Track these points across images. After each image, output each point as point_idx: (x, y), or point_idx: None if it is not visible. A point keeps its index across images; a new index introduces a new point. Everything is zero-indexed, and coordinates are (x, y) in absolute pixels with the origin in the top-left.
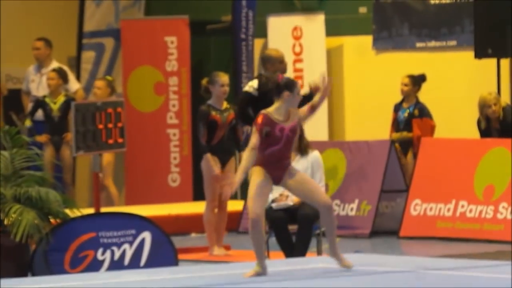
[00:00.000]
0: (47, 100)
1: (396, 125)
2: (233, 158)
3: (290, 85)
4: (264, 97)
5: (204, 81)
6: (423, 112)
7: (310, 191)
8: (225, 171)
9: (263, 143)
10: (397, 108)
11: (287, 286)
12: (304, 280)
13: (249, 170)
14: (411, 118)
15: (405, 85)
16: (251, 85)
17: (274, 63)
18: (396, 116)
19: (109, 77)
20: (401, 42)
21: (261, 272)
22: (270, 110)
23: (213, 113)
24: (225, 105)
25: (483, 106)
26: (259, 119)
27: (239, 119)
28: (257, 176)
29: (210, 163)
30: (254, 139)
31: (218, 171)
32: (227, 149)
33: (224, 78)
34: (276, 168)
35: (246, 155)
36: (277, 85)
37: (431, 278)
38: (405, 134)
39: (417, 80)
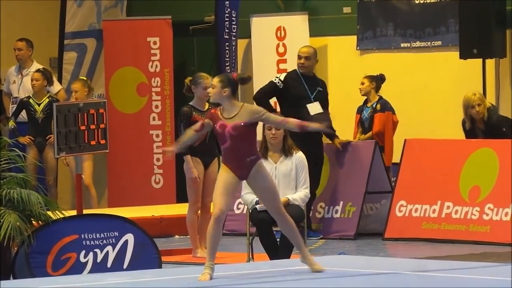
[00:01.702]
0: (31, 101)
1: (362, 125)
2: (216, 160)
3: (228, 81)
4: (287, 92)
5: (187, 80)
6: (386, 107)
7: (264, 201)
8: (207, 173)
9: (218, 140)
10: (361, 109)
11: (271, 287)
12: (289, 282)
13: (182, 145)
14: (374, 113)
15: (362, 83)
16: (279, 77)
17: (313, 56)
18: (361, 116)
19: (83, 77)
20: (386, 42)
21: (212, 274)
22: (221, 107)
23: (195, 114)
24: (207, 106)
25: (467, 106)
26: (207, 113)
27: (257, 103)
28: (222, 173)
29: (190, 164)
30: (199, 124)
31: (197, 174)
32: (209, 151)
33: (207, 80)
34: (237, 166)
35: (186, 133)
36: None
37: (416, 280)
38: (369, 134)
39: (374, 78)
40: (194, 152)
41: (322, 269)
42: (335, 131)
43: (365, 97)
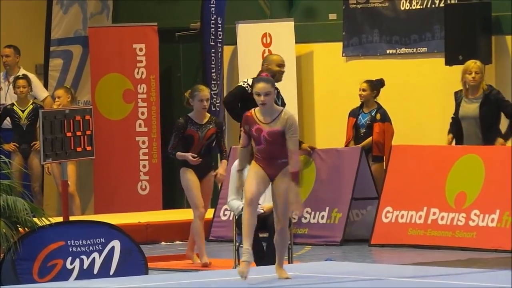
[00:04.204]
0: (15, 108)
1: (356, 131)
2: (212, 173)
3: (274, 84)
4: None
5: (187, 93)
6: (385, 117)
7: (278, 204)
8: (202, 184)
9: (250, 140)
10: (355, 113)
11: None
12: None
13: (239, 167)
14: (373, 122)
15: (363, 90)
16: (247, 81)
17: (270, 63)
18: (356, 121)
19: (67, 86)
20: (371, 48)
21: (251, 259)
22: (257, 109)
23: (191, 127)
24: (207, 117)
25: (465, 72)
26: (243, 117)
27: (228, 112)
28: (253, 167)
29: (181, 155)
30: (242, 139)
31: (190, 156)
32: (204, 165)
33: (203, 92)
34: (268, 165)
35: (238, 152)
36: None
37: (403, 286)
38: (368, 140)
39: (375, 85)
40: (188, 165)
41: (289, 277)
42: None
43: (362, 102)
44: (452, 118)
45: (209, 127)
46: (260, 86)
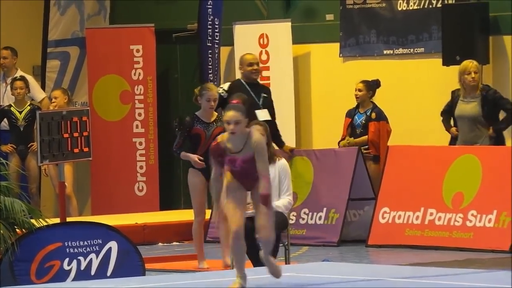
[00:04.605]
0: (13, 109)
1: (352, 130)
2: None
3: (245, 111)
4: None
5: (196, 90)
6: (381, 116)
7: (259, 220)
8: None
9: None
10: (352, 113)
11: None
12: None
13: (214, 195)
14: (369, 121)
15: (359, 90)
16: (222, 87)
17: (242, 64)
18: (351, 121)
19: (63, 87)
20: (369, 49)
21: (243, 284)
22: (225, 136)
23: (197, 126)
24: (214, 116)
25: (463, 72)
26: (211, 148)
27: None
28: (228, 183)
29: (186, 155)
30: (214, 168)
31: (196, 157)
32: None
33: (211, 92)
34: (244, 180)
35: (213, 187)
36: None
37: (399, 286)
38: (363, 138)
39: (371, 85)
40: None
41: None
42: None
43: (358, 102)
44: (442, 113)
45: (216, 126)
46: (230, 114)
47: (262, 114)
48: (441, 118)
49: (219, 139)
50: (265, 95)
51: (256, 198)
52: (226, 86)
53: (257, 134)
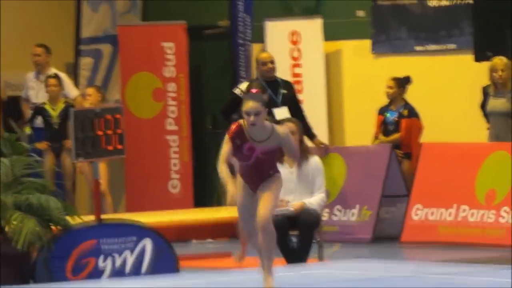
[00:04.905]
0: (47, 107)
1: (384, 128)
2: None
3: (264, 102)
4: None
5: (243, 87)
6: (412, 113)
7: (259, 206)
8: None
9: (235, 154)
10: (384, 110)
11: None
12: (305, 286)
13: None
14: (401, 118)
15: (390, 87)
16: (240, 87)
17: (258, 64)
18: (384, 118)
19: (97, 84)
20: (400, 45)
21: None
22: (246, 123)
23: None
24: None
25: (492, 70)
26: (232, 127)
27: (223, 118)
28: (238, 188)
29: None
30: (226, 148)
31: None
32: None
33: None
34: (253, 179)
35: (222, 170)
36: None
37: (435, 283)
38: (395, 136)
39: (402, 82)
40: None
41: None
42: (312, 129)
43: (390, 99)
44: (481, 108)
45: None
46: (250, 105)
47: (281, 112)
48: (482, 112)
49: (241, 123)
50: (284, 91)
51: (262, 188)
52: (243, 86)
53: (283, 128)
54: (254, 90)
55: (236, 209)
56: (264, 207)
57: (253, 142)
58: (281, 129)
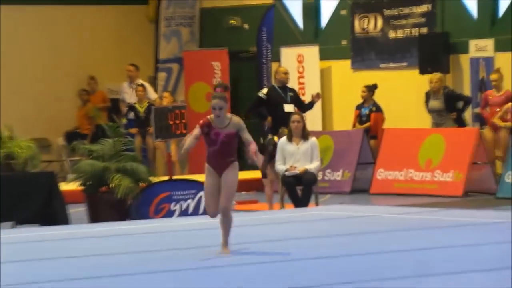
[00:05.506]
0: (136, 105)
1: (360, 119)
2: None
3: (226, 98)
4: (270, 100)
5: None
6: (378, 109)
7: (224, 190)
8: None
9: (206, 142)
10: (359, 107)
11: (298, 225)
12: (307, 220)
13: (187, 150)
14: (371, 113)
15: (364, 92)
16: (262, 91)
17: (278, 73)
18: (359, 112)
19: (169, 90)
20: (370, 64)
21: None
22: (212, 117)
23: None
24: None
25: (430, 81)
26: (202, 121)
27: (251, 114)
28: (206, 174)
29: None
30: (195, 131)
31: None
32: None
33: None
34: (218, 164)
35: (188, 140)
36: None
37: (390, 218)
38: (367, 124)
39: (371, 88)
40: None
41: (228, 253)
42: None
43: (363, 100)
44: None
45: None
46: (215, 101)
47: (289, 107)
48: (426, 109)
49: (208, 118)
50: (291, 93)
51: (225, 177)
52: (265, 90)
53: (236, 117)
54: (218, 90)
55: (204, 194)
56: (226, 199)
57: (218, 128)
58: (236, 118)
